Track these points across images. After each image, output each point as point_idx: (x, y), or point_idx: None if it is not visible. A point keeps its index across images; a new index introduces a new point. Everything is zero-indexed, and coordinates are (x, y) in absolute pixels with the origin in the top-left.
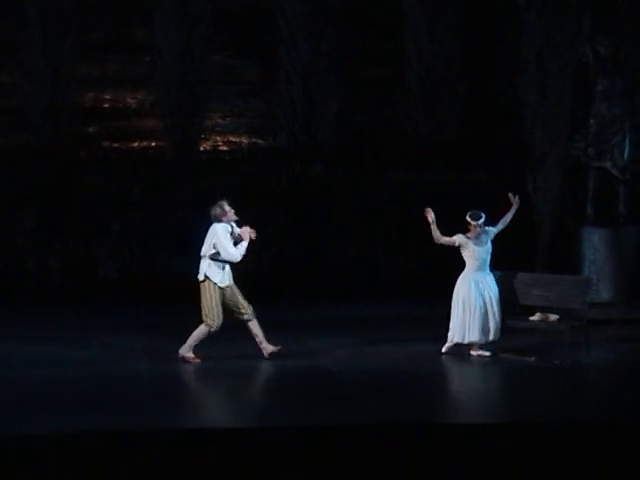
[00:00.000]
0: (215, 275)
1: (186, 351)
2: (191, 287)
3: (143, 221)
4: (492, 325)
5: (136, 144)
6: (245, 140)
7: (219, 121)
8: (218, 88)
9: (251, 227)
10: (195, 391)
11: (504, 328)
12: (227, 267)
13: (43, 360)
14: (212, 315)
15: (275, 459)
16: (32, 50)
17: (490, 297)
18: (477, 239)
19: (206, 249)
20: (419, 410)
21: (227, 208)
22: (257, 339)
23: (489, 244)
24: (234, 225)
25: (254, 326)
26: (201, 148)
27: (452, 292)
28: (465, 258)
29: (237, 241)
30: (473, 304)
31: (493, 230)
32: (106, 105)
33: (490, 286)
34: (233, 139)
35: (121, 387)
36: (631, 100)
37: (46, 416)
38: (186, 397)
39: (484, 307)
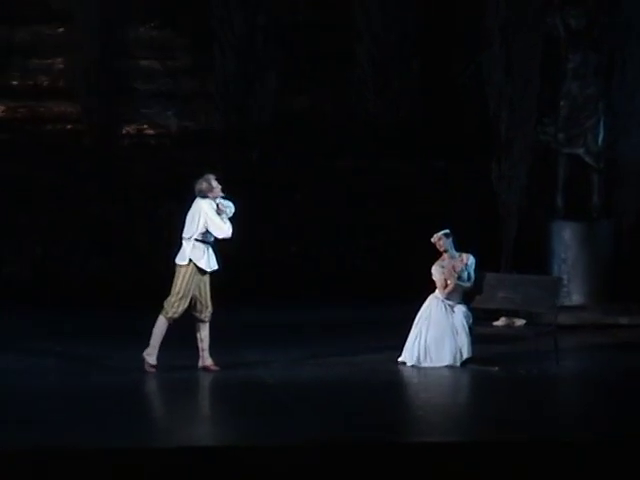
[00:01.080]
0: (200, 258)
1: (150, 353)
2: (109, 288)
3: (57, 214)
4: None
5: (49, 127)
6: (173, 123)
7: (144, 101)
8: (143, 64)
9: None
10: (122, 406)
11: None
12: (211, 250)
13: None
14: (176, 301)
15: None
16: None
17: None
18: (450, 261)
19: (192, 230)
20: (370, 428)
21: (214, 183)
22: (201, 344)
23: (464, 274)
24: (220, 201)
25: (204, 329)
26: (124, 132)
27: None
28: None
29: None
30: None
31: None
32: (15, 82)
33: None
34: (160, 122)
35: (35, 401)
36: (606, 79)
37: None
38: (110, 413)
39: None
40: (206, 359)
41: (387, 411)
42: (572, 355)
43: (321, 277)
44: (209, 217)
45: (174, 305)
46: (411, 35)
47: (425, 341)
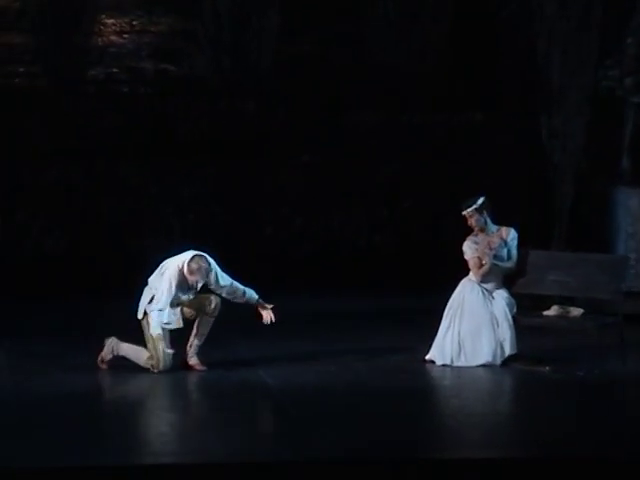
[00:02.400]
0: (158, 313)
1: (107, 352)
2: (71, 271)
3: (4, 180)
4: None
5: None
6: (150, 66)
7: (114, 39)
8: None
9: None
10: (85, 416)
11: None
12: (176, 308)
13: None
14: (157, 356)
15: None
16: None
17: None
18: (485, 237)
19: (156, 282)
20: (391, 441)
21: (197, 275)
22: (192, 339)
23: (503, 252)
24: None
25: (206, 325)
26: (88, 76)
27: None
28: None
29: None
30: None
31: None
32: None
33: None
34: (133, 64)
35: None
36: None
37: None
38: (70, 424)
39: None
40: (191, 357)
41: (412, 421)
42: None
43: (332, 257)
44: (164, 289)
45: (158, 360)
46: None
47: (458, 335)
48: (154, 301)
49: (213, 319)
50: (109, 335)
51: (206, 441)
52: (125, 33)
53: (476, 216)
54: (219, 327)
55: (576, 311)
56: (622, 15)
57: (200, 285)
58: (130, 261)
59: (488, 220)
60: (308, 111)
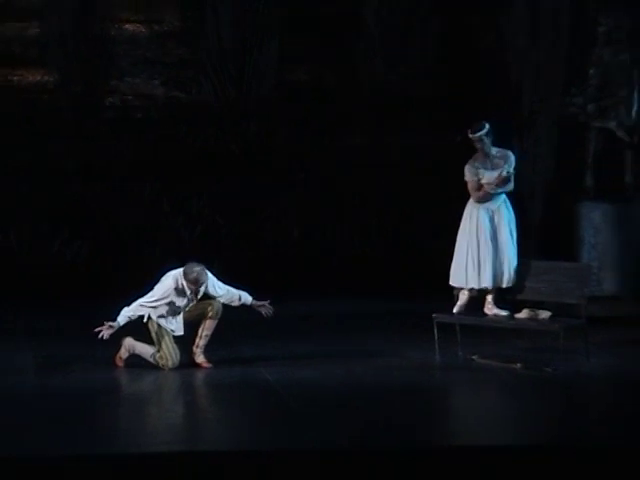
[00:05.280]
0: (161, 319)
1: (124, 351)
2: (88, 278)
3: (28, 196)
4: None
5: (23, 98)
6: (161, 93)
7: (128, 69)
8: (127, 27)
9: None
10: (99, 409)
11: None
12: (180, 317)
13: None
14: (164, 355)
15: None
16: None
17: (503, 228)
18: (486, 160)
19: (157, 289)
20: (386, 431)
21: (193, 286)
22: (198, 340)
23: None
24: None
25: (209, 327)
26: (107, 103)
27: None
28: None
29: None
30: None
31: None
32: None
33: (503, 214)
34: (146, 92)
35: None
36: None
37: None
38: (95, 417)
39: (495, 240)
40: (198, 355)
41: (405, 412)
42: (604, 351)
43: (328, 264)
44: (156, 290)
45: (166, 358)
46: None
47: (474, 258)
48: (148, 295)
49: (217, 321)
50: (125, 335)
51: (213, 431)
52: (138, 63)
53: (484, 140)
54: (225, 329)
55: (544, 314)
56: (585, 49)
57: (201, 293)
58: (142, 269)
59: (490, 144)
60: (304, 133)
